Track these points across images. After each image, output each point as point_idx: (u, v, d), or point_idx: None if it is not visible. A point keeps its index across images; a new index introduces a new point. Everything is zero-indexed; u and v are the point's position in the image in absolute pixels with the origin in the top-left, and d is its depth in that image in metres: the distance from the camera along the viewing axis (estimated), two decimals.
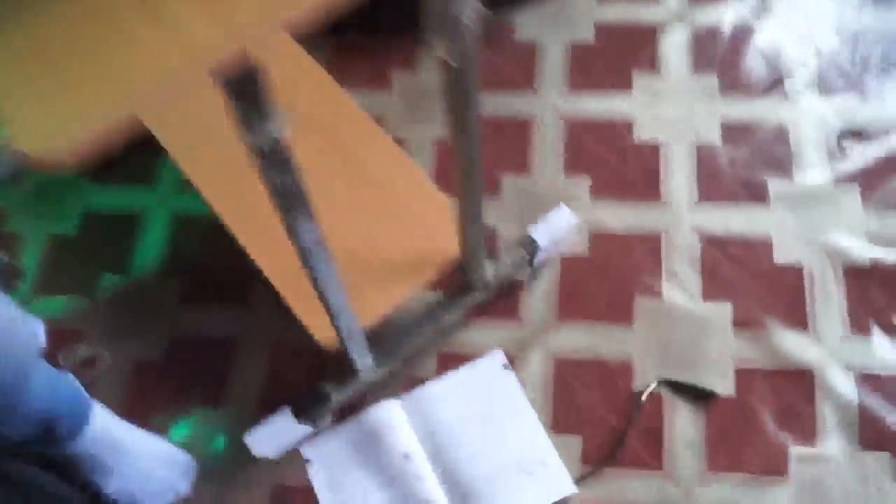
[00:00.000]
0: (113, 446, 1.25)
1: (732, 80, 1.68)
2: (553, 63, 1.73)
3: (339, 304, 1.10)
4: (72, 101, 0.62)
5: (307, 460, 1.33)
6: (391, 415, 1.33)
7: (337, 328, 1.17)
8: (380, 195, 1.36)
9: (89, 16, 0.65)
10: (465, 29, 0.89)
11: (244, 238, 1.34)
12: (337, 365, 1.34)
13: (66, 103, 0.61)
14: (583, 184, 1.57)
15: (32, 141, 0.59)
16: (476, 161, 1.10)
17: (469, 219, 1.21)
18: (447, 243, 1.32)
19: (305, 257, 0.98)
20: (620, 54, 1.74)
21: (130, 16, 0.65)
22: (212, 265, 1.53)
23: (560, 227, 1.43)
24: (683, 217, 1.52)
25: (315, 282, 1.04)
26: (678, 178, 1.56)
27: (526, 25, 1.79)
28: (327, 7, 0.67)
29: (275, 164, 0.82)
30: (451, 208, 1.35)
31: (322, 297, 1.08)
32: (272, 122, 0.78)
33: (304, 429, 1.31)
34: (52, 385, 1.13)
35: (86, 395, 1.24)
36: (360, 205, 1.35)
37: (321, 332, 1.26)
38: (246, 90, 0.73)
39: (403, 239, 1.32)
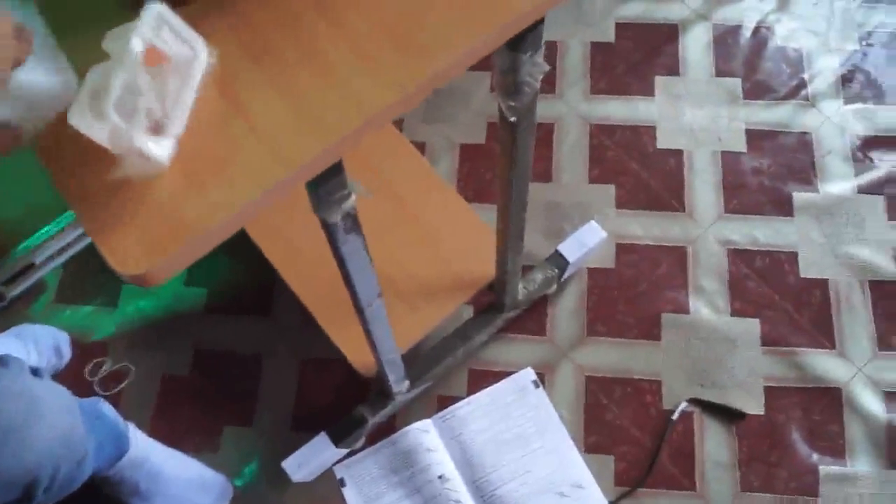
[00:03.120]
0: (150, 470, 1.25)
1: (755, 83, 1.67)
2: (574, 64, 1.71)
3: (383, 338, 1.10)
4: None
5: (341, 480, 1.33)
6: (425, 436, 1.33)
7: (377, 358, 1.17)
8: (415, 221, 1.35)
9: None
10: (528, 89, 0.87)
11: (278, 263, 1.33)
12: (367, 384, 1.34)
13: None
14: (607, 192, 1.56)
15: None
16: (523, 200, 1.09)
17: (510, 247, 1.20)
18: (482, 266, 1.32)
19: (359, 303, 0.97)
20: (642, 55, 1.72)
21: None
22: (236, 277, 1.51)
23: (590, 244, 1.43)
24: (709, 229, 1.52)
25: (364, 321, 1.03)
26: (702, 187, 1.56)
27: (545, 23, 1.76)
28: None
29: (348, 231, 0.81)
30: (486, 231, 1.35)
31: (368, 333, 1.07)
32: (347, 198, 0.77)
33: (340, 452, 1.31)
34: (96, 426, 1.12)
35: (122, 421, 1.24)
36: (396, 231, 1.34)
37: (359, 359, 1.26)
38: (327, 174, 0.71)
39: (439, 263, 1.32)
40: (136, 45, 0.57)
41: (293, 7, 0.67)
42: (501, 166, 1.01)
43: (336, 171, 0.71)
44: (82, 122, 0.55)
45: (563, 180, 1.58)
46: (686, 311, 1.45)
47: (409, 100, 0.64)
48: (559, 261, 1.41)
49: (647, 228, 1.53)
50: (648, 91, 1.67)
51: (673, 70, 1.70)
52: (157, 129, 0.57)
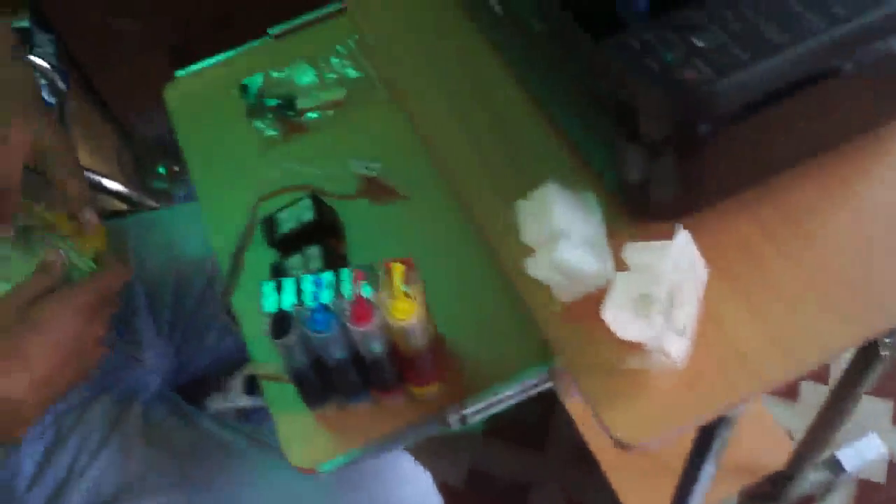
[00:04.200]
0: None
1: None
2: None
3: None
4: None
5: None
6: None
7: None
8: None
9: None
10: None
11: (578, 417, 1.45)
12: None
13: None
14: (883, 408, 1.59)
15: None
16: (846, 416, 1.16)
17: (811, 451, 1.27)
18: (766, 457, 1.39)
19: (690, 490, 1.06)
20: None
21: None
22: (516, 407, 1.63)
23: (869, 457, 1.46)
24: None
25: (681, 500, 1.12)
26: None
27: None
28: None
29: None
30: (775, 427, 1.42)
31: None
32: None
33: None
34: None
35: None
36: None
37: None
38: None
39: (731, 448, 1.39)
40: (676, 263, 0.70)
41: (745, 233, 0.79)
42: (842, 383, 1.09)
43: None
44: (619, 319, 0.69)
45: None
46: None
47: (855, 344, 0.74)
48: (835, 468, 1.45)
49: None
50: None
51: None
52: (677, 333, 0.70)
